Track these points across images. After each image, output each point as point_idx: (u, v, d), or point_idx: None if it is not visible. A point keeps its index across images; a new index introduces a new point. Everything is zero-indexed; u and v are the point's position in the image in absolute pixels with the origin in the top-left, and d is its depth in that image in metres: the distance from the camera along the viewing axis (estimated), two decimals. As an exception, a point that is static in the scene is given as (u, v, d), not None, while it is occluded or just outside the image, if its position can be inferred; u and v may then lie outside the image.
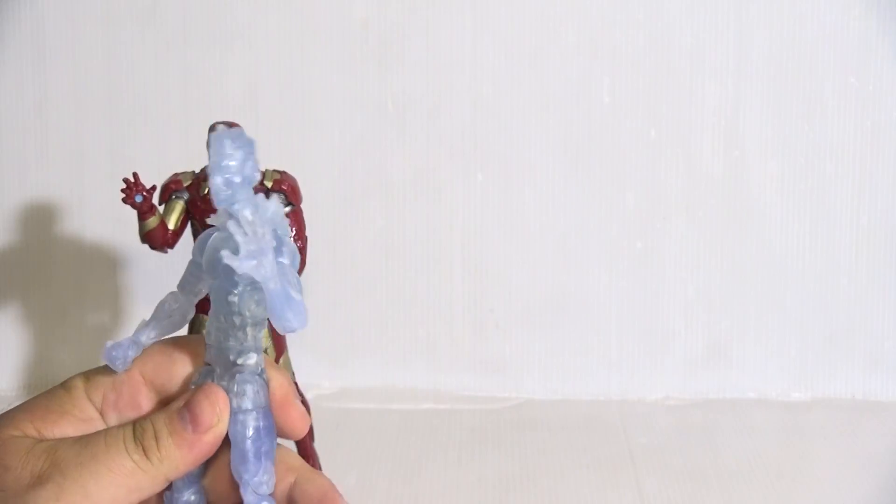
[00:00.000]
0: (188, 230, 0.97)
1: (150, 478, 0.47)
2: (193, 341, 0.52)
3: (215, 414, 0.48)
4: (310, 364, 1.21)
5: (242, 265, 0.45)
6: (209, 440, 0.48)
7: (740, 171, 1.23)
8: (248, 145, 0.48)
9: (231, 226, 0.46)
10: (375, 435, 1.15)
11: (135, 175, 0.93)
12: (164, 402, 0.51)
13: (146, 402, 0.51)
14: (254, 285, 0.48)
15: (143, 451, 0.47)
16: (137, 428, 0.48)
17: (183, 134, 1.22)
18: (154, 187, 0.94)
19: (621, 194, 1.24)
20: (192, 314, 0.52)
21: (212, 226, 0.49)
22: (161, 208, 0.95)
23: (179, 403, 0.49)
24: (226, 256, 0.45)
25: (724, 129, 1.23)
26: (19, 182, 1.25)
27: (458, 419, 1.20)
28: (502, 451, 1.12)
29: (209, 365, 0.50)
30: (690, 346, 1.26)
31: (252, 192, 0.47)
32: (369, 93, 1.23)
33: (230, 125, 0.93)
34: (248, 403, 0.49)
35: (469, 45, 1.23)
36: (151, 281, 1.24)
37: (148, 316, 0.52)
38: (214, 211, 0.90)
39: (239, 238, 0.46)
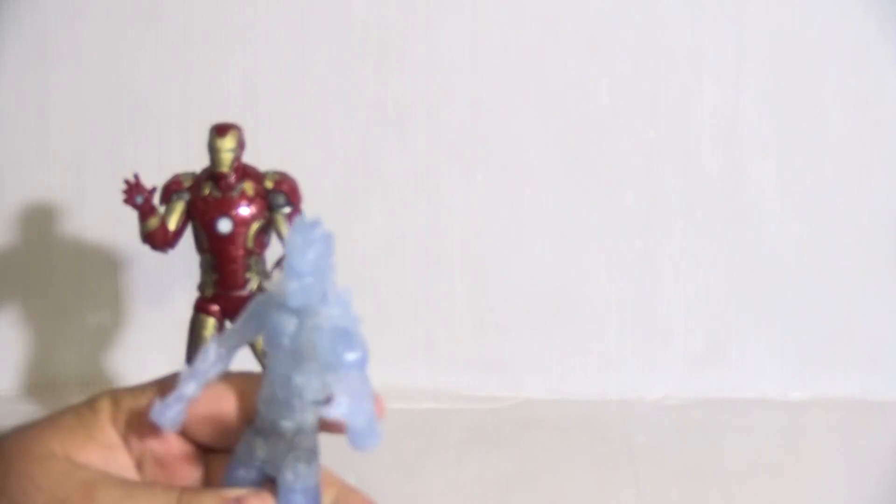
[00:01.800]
0: (189, 230, 0.97)
1: None
2: (217, 388, 0.51)
3: None
4: (310, 364, 1.21)
5: (337, 413, 0.44)
6: None
7: (740, 171, 1.23)
8: (324, 240, 0.46)
9: (330, 377, 0.45)
10: (375, 435, 1.15)
11: (135, 176, 0.93)
12: (184, 436, 0.50)
13: (171, 434, 0.50)
14: (320, 373, 0.47)
15: None
16: (184, 498, 0.47)
17: (183, 134, 1.22)
18: (155, 188, 0.94)
19: (621, 194, 1.24)
20: (230, 364, 0.51)
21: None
22: (162, 209, 0.96)
23: (233, 493, 0.48)
24: (324, 411, 0.44)
25: (724, 129, 1.23)
26: (19, 182, 1.24)
27: (458, 419, 1.20)
28: (502, 451, 1.12)
29: (256, 429, 0.49)
30: (690, 345, 1.26)
31: (331, 282, 0.46)
32: (369, 93, 1.23)
33: (228, 127, 0.93)
34: (301, 483, 0.48)
35: (469, 45, 1.23)
36: (151, 281, 1.24)
37: (187, 366, 0.51)
38: (214, 211, 0.90)
39: (335, 388, 0.45)
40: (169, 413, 0.48)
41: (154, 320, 1.23)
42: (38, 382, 1.25)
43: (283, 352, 0.46)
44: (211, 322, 0.98)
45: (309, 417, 0.47)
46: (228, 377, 0.50)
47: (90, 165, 1.24)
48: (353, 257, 1.25)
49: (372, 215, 1.25)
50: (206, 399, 0.50)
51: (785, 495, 1.03)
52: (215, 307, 0.98)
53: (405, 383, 1.26)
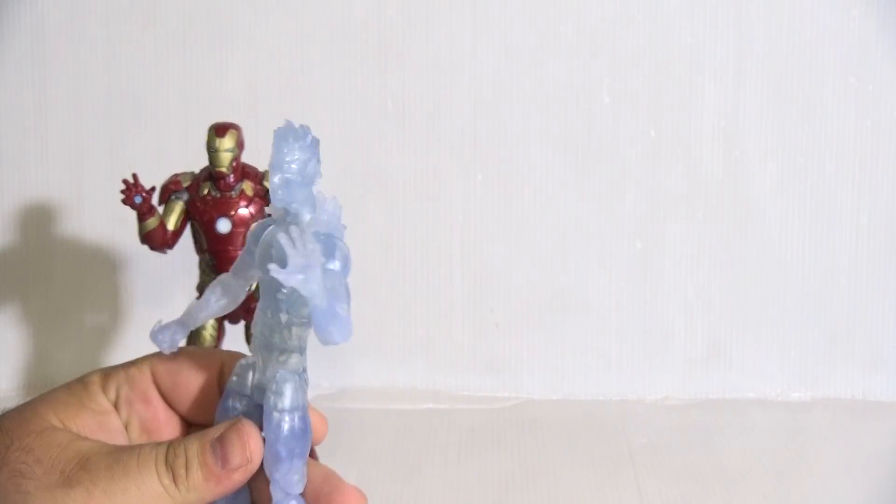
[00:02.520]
0: (188, 230, 0.97)
1: (176, 501, 0.48)
2: (203, 355, 0.53)
3: (245, 456, 0.48)
4: (310, 364, 1.21)
5: (289, 279, 0.44)
6: (237, 478, 0.49)
7: (740, 171, 1.23)
8: (311, 145, 0.48)
9: (281, 238, 0.45)
10: (375, 435, 1.15)
11: (134, 176, 0.93)
12: (168, 403, 0.53)
13: (156, 399, 0.53)
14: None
15: (173, 477, 0.48)
16: (170, 452, 0.49)
17: (183, 134, 1.22)
18: (153, 188, 0.94)
19: (621, 194, 1.24)
20: (242, 298, 0.52)
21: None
22: (160, 209, 0.96)
23: (214, 434, 0.49)
24: (273, 270, 0.44)
25: (724, 129, 1.23)
26: (19, 182, 1.25)
27: (457, 419, 1.20)
28: (502, 451, 1.12)
29: (249, 357, 0.50)
30: (690, 346, 1.26)
31: (312, 192, 0.47)
32: (369, 93, 1.23)
33: (227, 127, 0.93)
34: (285, 403, 0.49)
35: (469, 45, 1.23)
36: (151, 281, 1.24)
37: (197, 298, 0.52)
38: (213, 211, 0.90)
39: (288, 251, 0.45)
40: (166, 334, 0.50)
41: (154, 320, 1.22)
42: (37, 382, 1.25)
43: (274, 265, 0.46)
44: (210, 322, 0.98)
45: (295, 334, 0.48)
46: (213, 352, 0.52)
47: (89, 165, 1.24)
48: (354, 257, 1.24)
49: (372, 215, 1.24)
50: (189, 370, 0.52)
51: (785, 495, 1.03)
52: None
53: (405, 383, 1.26)
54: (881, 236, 1.24)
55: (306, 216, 0.47)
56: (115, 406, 0.52)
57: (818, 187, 1.23)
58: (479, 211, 1.25)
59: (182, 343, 0.52)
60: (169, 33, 1.23)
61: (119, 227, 1.21)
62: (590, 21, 1.22)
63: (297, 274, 0.45)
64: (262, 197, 0.96)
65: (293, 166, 0.47)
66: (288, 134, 0.47)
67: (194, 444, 0.49)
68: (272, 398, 0.49)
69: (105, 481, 0.47)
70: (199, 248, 0.96)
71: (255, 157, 0.99)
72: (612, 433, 1.16)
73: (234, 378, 0.50)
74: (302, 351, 0.49)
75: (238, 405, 0.50)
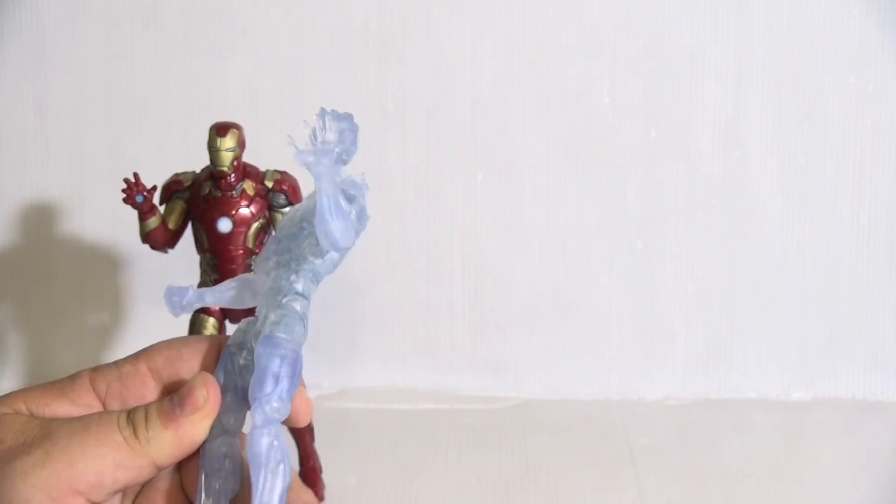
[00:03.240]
0: (189, 230, 0.97)
1: (137, 456, 0.48)
2: (202, 341, 0.52)
3: (202, 397, 0.48)
4: (310, 364, 1.20)
5: (300, 156, 0.46)
6: (195, 420, 0.48)
7: (740, 171, 1.23)
8: (354, 126, 0.51)
9: (306, 126, 0.48)
10: (375, 435, 1.15)
11: (135, 175, 0.93)
12: (167, 395, 0.52)
13: (150, 395, 0.52)
14: (316, 238, 0.49)
15: (133, 428, 0.48)
16: (132, 410, 0.49)
17: (183, 134, 1.22)
18: (154, 187, 0.94)
19: (621, 194, 1.24)
20: (262, 292, 0.52)
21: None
22: (162, 208, 0.95)
23: (175, 393, 0.49)
24: (289, 142, 0.46)
25: (724, 129, 1.23)
26: (19, 182, 1.25)
27: (458, 419, 1.20)
28: (502, 451, 1.12)
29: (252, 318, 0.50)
30: (690, 346, 1.26)
31: (337, 168, 0.50)
32: (369, 93, 1.23)
33: (228, 126, 0.93)
34: (281, 332, 0.48)
35: (469, 45, 1.23)
36: (151, 281, 1.24)
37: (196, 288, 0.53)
38: (214, 211, 0.90)
39: (306, 137, 0.47)
40: (178, 297, 0.50)
41: (154, 320, 1.23)
42: (37, 382, 1.25)
43: (296, 224, 0.49)
44: (211, 322, 0.98)
45: (303, 282, 0.49)
46: (214, 336, 0.52)
47: (90, 165, 1.24)
48: (353, 257, 1.24)
49: (372, 215, 1.24)
50: (190, 356, 0.51)
51: (785, 495, 1.03)
52: (215, 307, 0.98)
53: (405, 384, 1.26)
54: (881, 236, 1.24)
55: (323, 132, 0.50)
56: (105, 403, 0.51)
57: (818, 187, 1.23)
58: (480, 211, 1.25)
59: (192, 310, 0.53)
60: (169, 33, 1.23)
61: (120, 227, 1.21)
62: (590, 21, 1.22)
63: (309, 155, 0.47)
64: (263, 196, 0.95)
65: (333, 137, 0.50)
66: (331, 113, 0.52)
67: (155, 401, 0.49)
68: (268, 328, 0.49)
69: (63, 439, 0.47)
70: (200, 248, 0.96)
71: (256, 156, 0.99)
72: (612, 433, 1.16)
73: (237, 332, 0.50)
74: (307, 298, 0.50)
75: (240, 359, 0.50)
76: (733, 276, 1.25)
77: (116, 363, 0.52)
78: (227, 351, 0.50)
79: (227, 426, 0.50)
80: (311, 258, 0.50)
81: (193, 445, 0.49)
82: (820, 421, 1.20)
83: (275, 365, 0.48)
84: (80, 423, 0.48)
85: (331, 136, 0.47)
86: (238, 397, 0.50)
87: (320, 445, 1.03)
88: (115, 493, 0.48)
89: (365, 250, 1.24)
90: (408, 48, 1.23)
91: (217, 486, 0.49)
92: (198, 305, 0.53)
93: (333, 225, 0.47)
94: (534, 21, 1.22)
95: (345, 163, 0.49)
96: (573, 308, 1.26)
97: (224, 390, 0.50)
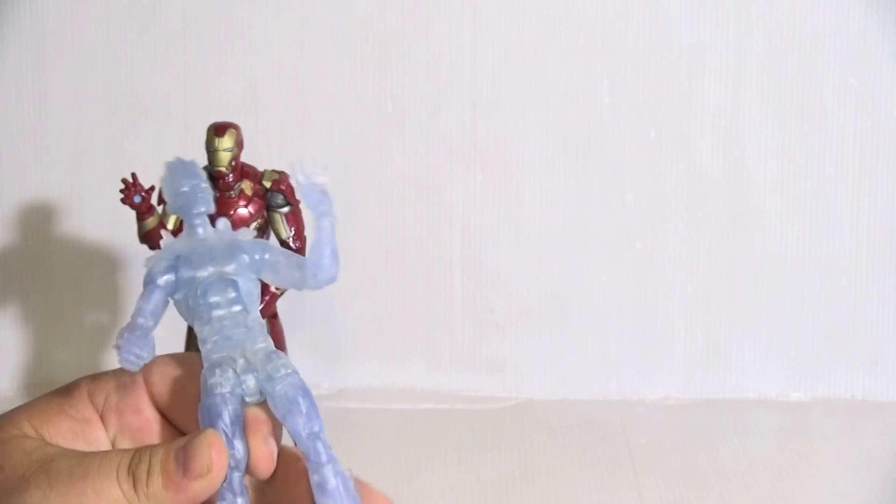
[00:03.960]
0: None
1: None
2: (193, 360, 0.51)
3: (206, 464, 0.47)
4: (310, 364, 1.21)
5: (311, 193, 0.49)
6: (197, 488, 0.47)
7: (740, 171, 1.23)
8: (193, 173, 0.53)
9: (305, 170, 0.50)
10: (375, 435, 1.15)
11: (133, 175, 0.93)
12: (161, 412, 0.51)
13: (147, 409, 0.51)
14: (245, 274, 0.50)
15: (133, 482, 0.47)
16: (135, 458, 0.47)
17: (183, 134, 1.22)
18: (153, 187, 0.94)
19: (621, 194, 1.24)
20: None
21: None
22: (160, 208, 0.95)
23: (181, 442, 0.48)
24: (297, 167, 0.49)
25: (724, 129, 1.23)
26: (19, 182, 1.25)
27: (457, 419, 1.20)
28: (502, 451, 1.12)
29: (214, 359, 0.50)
30: (690, 346, 1.25)
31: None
32: (369, 93, 1.23)
33: (226, 126, 0.93)
34: (286, 369, 0.50)
35: (469, 45, 1.23)
36: (151, 281, 1.23)
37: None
38: (214, 212, 0.90)
39: (319, 170, 0.50)
40: (131, 350, 0.50)
41: (153, 320, 1.23)
42: (37, 382, 1.25)
43: (207, 272, 0.50)
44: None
45: (257, 317, 0.50)
46: (190, 357, 0.51)
47: (89, 165, 1.24)
48: (353, 257, 1.25)
49: (372, 215, 1.24)
50: (185, 375, 0.50)
51: (785, 495, 1.03)
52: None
53: (405, 383, 1.26)
54: (881, 236, 1.24)
55: (199, 230, 0.51)
56: (103, 415, 0.50)
57: (818, 187, 1.23)
58: (479, 211, 1.24)
59: (147, 359, 0.50)
60: (169, 33, 1.23)
61: (119, 227, 1.21)
62: (590, 21, 1.22)
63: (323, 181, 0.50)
64: (261, 196, 0.96)
65: (184, 189, 0.52)
66: (179, 166, 0.53)
67: (160, 451, 0.47)
68: (271, 368, 0.49)
69: (63, 484, 0.46)
70: (199, 248, 0.96)
71: (255, 156, 0.99)
72: (612, 433, 1.16)
73: (214, 383, 0.49)
74: (266, 331, 0.51)
75: (227, 405, 0.49)
76: (733, 276, 1.25)
77: (115, 373, 0.51)
78: (213, 399, 0.49)
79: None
80: (252, 296, 0.51)
81: (200, 500, 0.48)
82: (820, 421, 1.20)
83: (309, 398, 0.50)
84: (80, 469, 0.47)
85: (312, 165, 0.49)
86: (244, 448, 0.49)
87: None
88: None
89: (365, 250, 1.25)
90: (408, 48, 1.23)
91: None
92: (150, 348, 0.51)
93: (325, 262, 0.49)
94: (534, 21, 1.22)
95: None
96: (573, 308, 1.25)
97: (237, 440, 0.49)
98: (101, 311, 1.26)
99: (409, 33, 1.22)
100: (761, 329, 1.25)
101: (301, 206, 0.97)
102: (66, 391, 0.51)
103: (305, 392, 0.49)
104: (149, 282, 0.51)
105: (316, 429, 0.49)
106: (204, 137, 0.94)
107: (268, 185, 0.96)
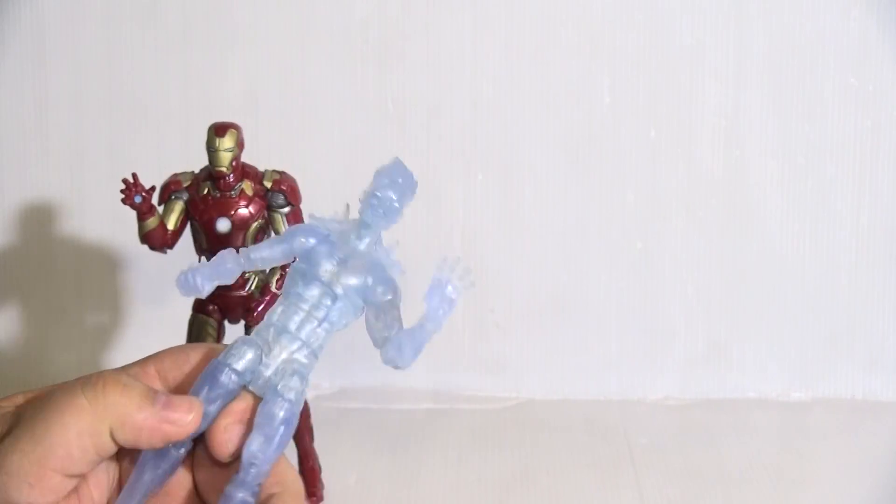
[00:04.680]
0: (188, 230, 0.97)
1: (98, 420, 0.46)
2: (210, 349, 0.52)
3: (187, 410, 0.48)
4: (310, 364, 1.21)
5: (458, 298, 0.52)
6: (165, 427, 0.47)
7: (740, 171, 1.23)
8: (412, 192, 0.54)
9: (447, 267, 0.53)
10: (374, 435, 1.15)
11: (134, 175, 0.92)
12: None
13: None
14: (350, 299, 0.52)
15: (103, 387, 0.47)
16: (98, 375, 0.48)
17: (183, 134, 1.22)
18: (153, 188, 0.94)
19: (621, 194, 1.24)
20: (237, 275, 0.54)
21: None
22: (160, 209, 0.95)
23: (161, 392, 0.49)
24: (447, 268, 0.53)
25: (724, 129, 1.23)
26: (19, 182, 1.25)
27: (458, 419, 1.20)
28: (502, 451, 1.12)
29: (251, 337, 0.51)
30: (690, 346, 1.26)
31: (387, 226, 0.54)
32: (369, 93, 1.23)
33: (227, 126, 0.93)
34: (291, 395, 0.50)
35: (469, 45, 1.23)
36: (151, 281, 1.24)
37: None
38: (213, 211, 0.90)
39: (452, 285, 0.53)
40: (195, 277, 0.52)
41: (153, 320, 1.23)
42: (37, 382, 1.25)
43: (329, 270, 0.51)
44: (210, 322, 0.98)
45: (322, 337, 0.52)
46: (221, 346, 0.52)
47: (89, 165, 1.24)
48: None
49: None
50: (198, 363, 0.51)
51: (785, 495, 1.03)
52: (214, 307, 0.98)
53: (405, 384, 1.26)
54: (881, 236, 1.24)
55: (366, 240, 0.53)
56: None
57: (818, 187, 1.23)
58: (480, 211, 1.24)
59: (209, 289, 0.53)
60: (169, 33, 1.23)
61: (119, 227, 1.21)
62: (590, 21, 1.22)
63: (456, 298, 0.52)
64: (262, 196, 0.95)
65: (396, 204, 0.54)
66: (408, 173, 0.54)
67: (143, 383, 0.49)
68: (281, 385, 0.50)
69: (29, 420, 0.46)
70: (199, 248, 0.96)
71: (255, 156, 0.99)
72: (612, 433, 1.16)
73: (232, 353, 0.50)
74: (317, 355, 0.52)
75: (228, 381, 0.50)
76: (733, 276, 1.25)
77: (124, 367, 0.52)
78: (219, 364, 0.50)
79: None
80: (338, 323, 0.52)
81: (158, 440, 0.48)
82: (820, 421, 1.20)
83: (282, 432, 0.50)
84: (46, 398, 0.47)
85: (459, 282, 0.53)
86: (212, 414, 0.50)
87: (320, 445, 1.03)
88: (94, 462, 0.47)
89: (365, 250, 1.24)
90: (408, 48, 1.23)
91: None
92: (213, 286, 0.53)
93: (406, 355, 0.53)
94: (534, 21, 1.22)
95: (394, 222, 0.55)
96: (573, 308, 1.26)
97: (207, 403, 0.50)
98: (102, 311, 1.26)
99: (409, 33, 1.22)
100: (761, 329, 1.25)
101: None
102: (76, 382, 0.51)
103: (287, 426, 0.50)
104: (293, 232, 0.53)
105: (259, 457, 0.49)
106: (204, 137, 0.94)
107: (269, 185, 0.96)
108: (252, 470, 0.49)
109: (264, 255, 0.53)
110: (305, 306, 0.52)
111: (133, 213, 0.94)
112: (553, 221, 1.25)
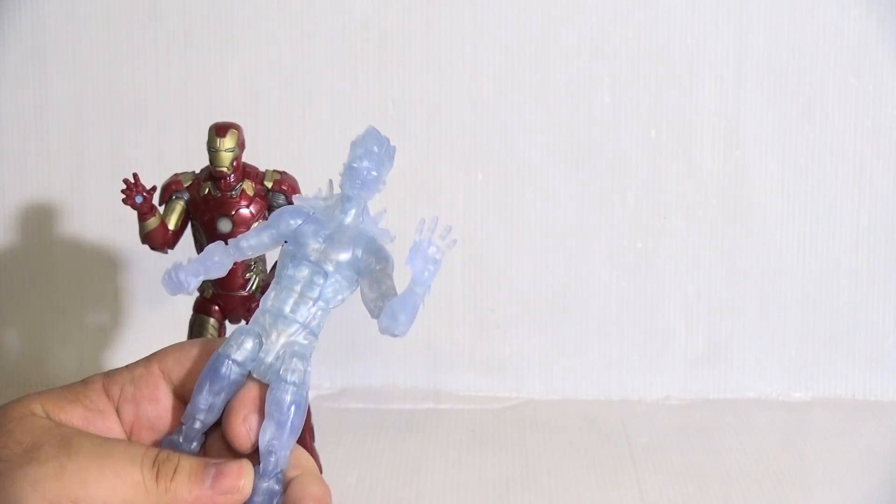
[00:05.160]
0: (188, 230, 0.97)
1: (149, 500, 0.47)
2: (211, 343, 0.52)
3: (237, 485, 0.48)
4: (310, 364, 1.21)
5: (425, 270, 0.51)
6: (220, 502, 0.48)
7: (740, 171, 1.23)
8: (391, 158, 0.53)
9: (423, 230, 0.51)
10: (375, 435, 1.15)
11: (135, 175, 0.92)
12: (179, 399, 0.52)
13: (164, 396, 0.52)
14: (341, 273, 0.51)
15: (157, 474, 0.48)
16: (162, 454, 0.48)
17: (183, 134, 1.22)
18: (154, 188, 0.94)
19: (621, 194, 1.24)
20: (229, 266, 0.54)
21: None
22: (161, 209, 0.95)
23: (214, 460, 0.49)
24: (425, 232, 0.50)
25: (724, 129, 1.23)
26: (19, 182, 1.24)
27: (458, 419, 1.20)
28: (502, 451, 1.12)
29: (250, 326, 0.51)
30: (690, 346, 1.26)
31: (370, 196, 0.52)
32: (369, 93, 1.23)
33: (228, 126, 0.93)
34: (295, 377, 0.50)
35: (469, 45, 1.23)
36: (151, 281, 1.24)
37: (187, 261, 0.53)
38: (214, 211, 0.90)
39: (434, 245, 0.51)
40: (179, 274, 0.51)
41: (154, 320, 1.23)
42: (37, 382, 1.25)
43: (316, 248, 0.51)
44: (211, 322, 0.98)
45: (318, 317, 0.52)
46: (223, 339, 0.52)
47: (90, 165, 1.24)
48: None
49: (372, 215, 1.24)
50: (200, 358, 0.51)
51: (785, 495, 1.03)
52: (215, 307, 0.98)
53: (405, 383, 1.26)
54: (881, 236, 1.24)
55: (351, 213, 0.52)
56: (119, 407, 0.51)
57: (818, 187, 1.23)
58: (480, 211, 1.24)
59: (195, 286, 0.54)
60: (169, 33, 1.23)
61: (120, 227, 1.21)
62: (590, 21, 1.22)
63: (430, 264, 0.51)
64: (263, 197, 0.95)
65: (374, 173, 0.53)
66: (373, 136, 0.53)
67: (191, 458, 0.49)
68: (283, 369, 0.50)
69: (84, 459, 0.47)
70: (200, 248, 0.96)
71: (256, 156, 0.99)
72: (612, 433, 1.16)
73: (231, 344, 0.50)
74: (316, 334, 0.52)
75: (230, 373, 0.50)
76: (733, 276, 1.25)
77: (128, 367, 0.52)
78: (219, 357, 0.50)
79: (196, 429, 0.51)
80: (333, 300, 0.52)
81: None
82: (820, 421, 1.20)
83: (293, 413, 0.50)
84: (103, 448, 0.47)
85: (441, 241, 0.51)
86: (217, 406, 0.50)
87: (320, 445, 1.03)
88: None
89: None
90: (408, 48, 1.23)
91: None
92: (198, 282, 0.54)
93: (401, 320, 0.51)
94: (534, 21, 1.22)
95: (377, 190, 0.53)
96: (573, 308, 1.26)
97: (212, 395, 0.50)
98: (102, 311, 1.26)
99: (409, 33, 1.22)
100: (761, 329, 1.25)
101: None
102: (82, 384, 0.52)
103: (297, 408, 0.50)
104: (278, 215, 0.53)
105: (275, 445, 0.49)
106: (205, 137, 0.94)
107: (269, 185, 0.96)
108: (272, 458, 0.49)
109: (252, 242, 0.53)
110: (297, 287, 0.51)
111: (134, 214, 0.94)
112: (553, 221, 1.25)
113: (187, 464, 0.48)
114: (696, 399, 1.24)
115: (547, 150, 1.24)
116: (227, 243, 0.54)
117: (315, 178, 1.14)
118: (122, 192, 0.92)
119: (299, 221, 0.53)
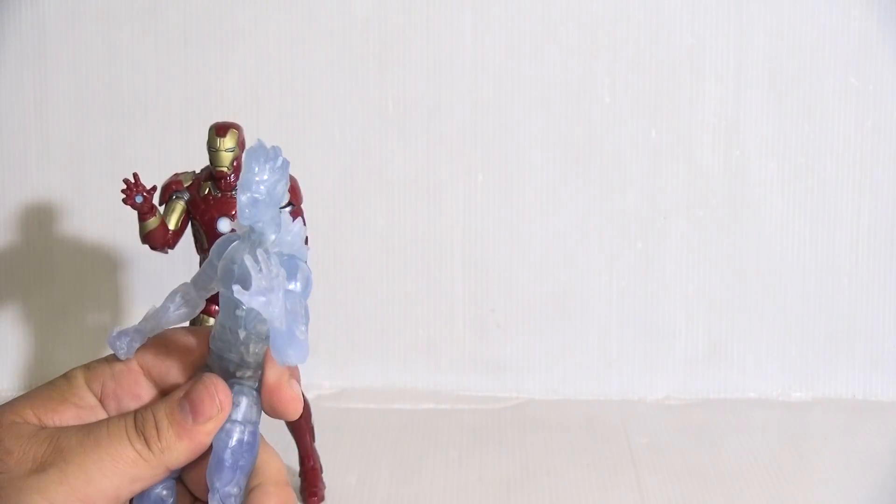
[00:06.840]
0: (188, 230, 0.97)
1: (152, 467, 0.48)
2: (192, 333, 0.52)
3: (215, 405, 0.48)
4: (310, 364, 1.20)
5: (252, 301, 0.45)
6: (209, 430, 0.48)
7: (740, 171, 1.23)
8: (282, 167, 0.48)
9: (247, 259, 0.46)
10: (375, 435, 1.15)
11: (135, 175, 0.92)
12: (162, 392, 0.52)
13: (145, 393, 0.51)
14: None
15: (145, 441, 0.48)
16: (139, 417, 0.49)
17: (183, 134, 1.22)
18: (154, 188, 0.94)
19: (621, 194, 1.24)
20: (201, 308, 0.52)
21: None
22: (161, 209, 0.95)
23: (180, 394, 0.49)
24: (237, 291, 0.46)
25: (724, 129, 1.23)
26: (19, 182, 1.24)
27: (458, 419, 1.20)
28: (502, 451, 1.12)
29: (209, 368, 0.50)
30: (690, 346, 1.26)
31: (278, 212, 0.48)
32: (369, 93, 1.23)
33: (228, 126, 0.93)
34: (237, 415, 0.49)
35: (469, 45, 1.23)
36: (151, 281, 1.24)
37: (158, 304, 0.52)
38: (214, 211, 0.90)
39: (252, 273, 0.46)
40: (124, 340, 0.50)
41: (154, 320, 1.23)
42: (37, 382, 1.25)
43: (233, 281, 0.48)
44: (211, 322, 0.98)
45: (252, 350, 0.49)
46: (200, 328, 0.51)
47: (90, 165, 1.24)
48: (354, 257, 1.25)
49: (372, 215, 1.24)
50: (179, 349, 0.51)
51: (785, 495, 1.03)
52: (215, 307, 0.98)
53: (405, 383, 1.26)
54: (881, 236, 1.24)
55: (271, 236, 0.48)
56: (102, 402, 0.51)
57: (818, 187, 1.23)
58: (480, 211, 1.24)
59: (134, 349, 0.52)
60: (169, 33, 1.23)
61: (120, 227, 1.21)
62: (590, 21, 1.22)
63: (260, 296, 0.45)
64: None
65: (262, 187, 0.47)
66: (259, 154, 0.48)
67: (162, 406, 0.49)
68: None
69: (78, 456, 0.47)
70: (200, 248, 0.96)
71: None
72: (612, 433, 1.16)
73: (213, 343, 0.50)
74: (257, 367, 0.50)
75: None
76: (733, 276, 1.25)
77: (108, 359, 0.52)
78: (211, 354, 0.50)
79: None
80: (256, 331, 0.49)
81: (205, 448, 0.49)
82: (820, 421, 1.20)
83: (232, 452, 0.49)
84: (91, 440, 0.48)
85: (275, 266, 0.46)
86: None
87: (320, 445, 1.03)
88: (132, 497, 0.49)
89: (365, 250, 1.25)
90: (408, 48, 1.23)
91: None
92: (142, 342, 0.51)
93: (287, 354, 0.47)
94: (534, 21, 1.22)
95: (279, 204, 0.48)
96: (573, 308, 1.26)
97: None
98: (102, 311, 1.26)
99: (409, 33, 1.22)
100: (761, 329, 1.25)
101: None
102: (65, 380, 0.51)
103: (240, 446, 0.49)
104: (211, 254, 0.50)
105: (216, 484, 0.49)
106: (205, 137, 0.94)
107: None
108: (215, 499, 0.49)
109: (165, 319, 0.52)
110: (240, 312, 0.50)
111: (134, 213, 0.94)
112: (553, 221, 1.25)
113: (164, 415, 0.48)
114: (696, 399, 1.24)
115: (547, 150, 1.24)
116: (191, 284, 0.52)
117: (315, 177, 1.14)
118: (122, 191, 0.92)
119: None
